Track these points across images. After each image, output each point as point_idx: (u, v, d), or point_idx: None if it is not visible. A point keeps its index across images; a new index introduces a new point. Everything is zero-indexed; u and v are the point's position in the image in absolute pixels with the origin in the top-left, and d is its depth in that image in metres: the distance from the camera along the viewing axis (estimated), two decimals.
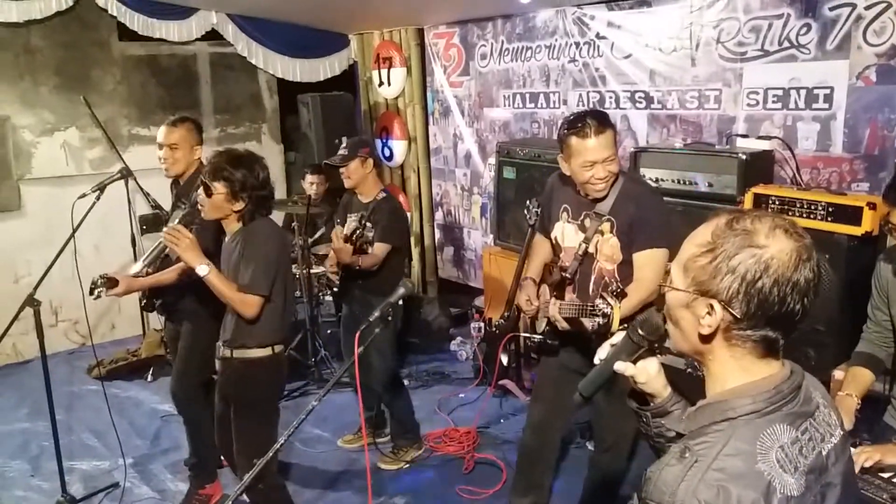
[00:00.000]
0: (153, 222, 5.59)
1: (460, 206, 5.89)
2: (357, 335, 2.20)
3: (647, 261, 2.62)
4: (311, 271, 5.07)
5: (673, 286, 1.24)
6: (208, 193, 2.75)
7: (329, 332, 5.38)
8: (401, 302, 3.86)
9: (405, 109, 6.14)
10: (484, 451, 3.97)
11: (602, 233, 2.70)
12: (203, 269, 2.71)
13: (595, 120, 2.57)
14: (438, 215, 6.14)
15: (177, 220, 2.77)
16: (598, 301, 2.44)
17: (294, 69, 6.19)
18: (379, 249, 3.64)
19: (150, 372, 5.11)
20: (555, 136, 4.80)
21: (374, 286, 3.64)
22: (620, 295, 2.24)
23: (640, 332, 1.44)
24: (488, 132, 5.48)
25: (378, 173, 3.93)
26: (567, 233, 2.83)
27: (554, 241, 2.89)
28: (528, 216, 4.35)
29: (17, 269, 5.39)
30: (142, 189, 5.23)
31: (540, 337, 2.97)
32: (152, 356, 5.19)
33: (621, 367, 1.45)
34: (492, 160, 5.19)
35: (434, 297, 6.04)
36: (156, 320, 5.66)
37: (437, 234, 6.18)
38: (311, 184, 5.38)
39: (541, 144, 4.72)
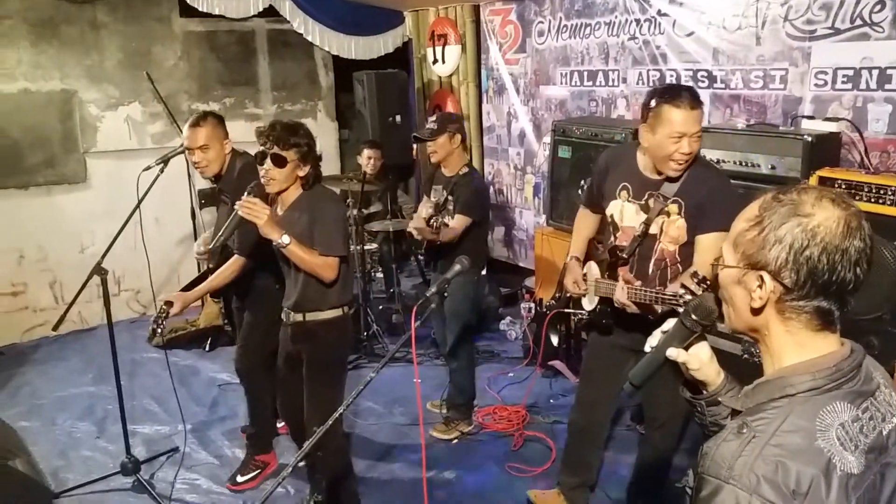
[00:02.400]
0: (211, 196, 5.73)
1: (513, 185, 5.87)
2: (413, 309, 2.25)
3: (711, 244, 2.57)
4: (364, 248, 5.13)
5: (724, 264, 1.25)
6: (282, 164, 2.79)
7: (381, 307, 5.46)
8: (484, 272, 4.01)
9: (459, 87, 6.12)
10: (533, 430, 3.99)
11: (668, 214, 2.64)
12: (286, 238, 2.76)
13: (690, 93, 2.51)
14: (490, 194, 6.13)
15: (249, 194, 2.81)
16: (677, 287, 2.39)
17: (349, 46, 6.22)
18: (458, 222, 3.72)
19: (209, 342, 5.27)
20: (613, 115, 4.82)
21: (456, 257, 3.70)
22: (703, 282, 2.17)
23: (693, 317, 1.43)
24: (544, 110, 5.42)
25: (463, 148, 3.95)
26: (626, 212, 2.77)
27: (609, 220, 2.84)
28: (582, 196, 4.33)
29: (82, 239, 5.58)
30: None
31: (587, 314, 2.95)
32: (210, 327, 5.34)
33: (673, 353, 1.45)
34: (547, 139, 5.14)
35: (484, 279, 6.05)
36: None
37: (490, 217, 6.17)
38: (368, 158, 5.42)
39: (598, 123, 4.66)
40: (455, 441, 3.92)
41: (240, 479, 3.57)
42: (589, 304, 2.95)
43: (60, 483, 3.53)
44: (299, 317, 2.97)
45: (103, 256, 3.38)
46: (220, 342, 5.24)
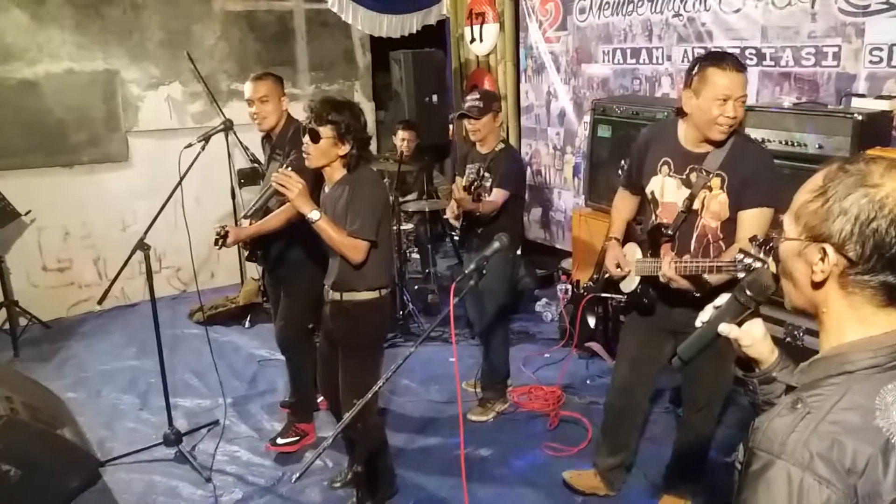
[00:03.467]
0: (251, 176, 5.80)
1: (551, 165, 5.81)
2: (452, 286, 2.24)
3: (755, 219, 2.51)
4: (401, 227, 5.13)
5: (785, 237, 1.21)
6: (315, 139, 2.80)
7: (416, 287, 5.47)
8: (519, 251, 3.98)
9: (496, 66, 6.06)
10: (568, 410, 3.97)
11: (710, 188, 2.58)
12: (315, 214, 2.78)
13: (734, 58, 2.48)
14: (527, 175, 6.08)
15: (288, 166, 2.83)
16: (738, 255, 2.31)
17: (385, 25, 6.18)
18: (497, 195, 3.72)
19: (248, 318, 5.34)
20: (657, 94, 4.73)
21: (493, 234, 3.68)
22: (765, 244, 2.11)
23: (747, 292, 1.39)
24: (585, 89, 5.35)
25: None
26: (668, 187, 2.70)
27: (650, 196, 2.79)
28: (622, 176, 4.27)
29: (124, 217, 5.68)
30: (241, 143, 5.41)
31: (626, 296, 2.91)
32: (250, 303, 5.41)
33: (725, 329, 1.41)
34: (587, 118, 5.07)
35: (520, 258, 6.02)
36: (254, 270, 5.91)
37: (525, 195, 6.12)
38: (402, 139, 5.41)
39: (639, 102, 4.58)
40: (491, 420, 3.92)
41: (280, 441, 3.65)
42: (629, 285, 2.90)
43: (106, 452, 3.62)
44: (337, 296, 2.98)
45: (146, 232, 3.45)
46: (259, 319, 5.32)
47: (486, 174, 3.82)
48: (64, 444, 3.28)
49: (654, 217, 2.78)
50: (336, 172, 2.91)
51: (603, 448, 3.21)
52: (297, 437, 3.68)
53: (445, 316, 2.23)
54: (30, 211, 5.15)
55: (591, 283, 4.46)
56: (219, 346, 4.86)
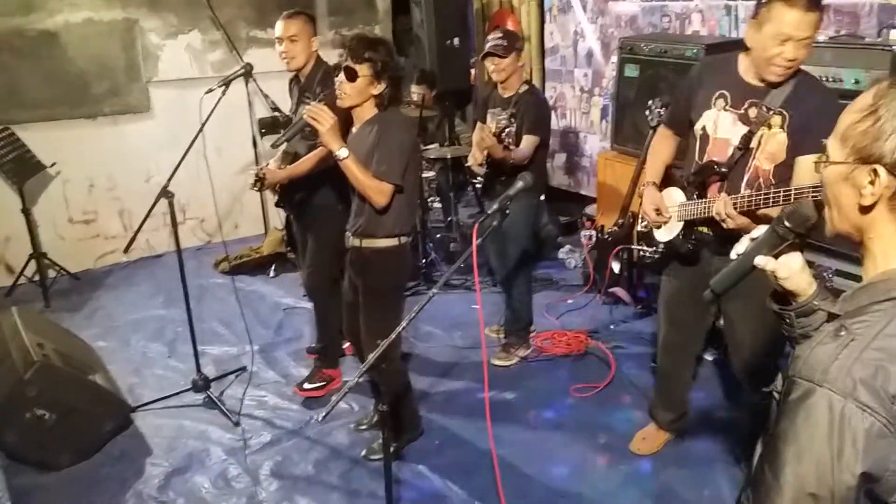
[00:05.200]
0: (271, 125, 5.76)
1: (577, 109, 5.68)
2: (475, 226, 2.20)
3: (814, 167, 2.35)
4: (422, 175, 5.07)
5: (831, 161, 1.15)
6: (352, 77, 2.74)
7: (438, 236, 5.44)
8: (543, 197, 3.93)
9: (519, 7, 5.90)
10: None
11: (769, 126, 2.40)
12: (343, 151, 2.73)
13: None
14: (552, 120, 5.95)
15: (320, 101, 2.80)
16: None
17: None
18: (528, 142, 3.61)
19: (272, 268, 5.36)
20: (687, 31, 4.56)
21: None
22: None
23: (786, 224, 1.34)
24: (613, 28, 5.18)
25: None
26: (722, 122, 2.51)
27: (699, 133, 2.58)
28: (649, 117, 4.15)
29: (148, 168, 5.67)
30: (261, 90, 5.36)
31: (662, 245, 2.76)
32: (274, 253, 5.43)
33: (762, 261, 1.36)
34: (615, 58, 4.92)
35: (543, 204, 5.94)
36: (277, 220, 5.93)
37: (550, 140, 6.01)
38: (414, 94, 5.32)
39: (668, 40, 4.43)
40: (515, 365, 3.92)
41: (307, 385, 3.70)
42: (668, 233, 2.73)
43: (136, 399, 3.69)
44: (357, 242, 2.96)
45: (169, 180, 3.43)
46: (284, 269, 5.34)
47: (513, 119, 3.71)
48: (96, 389, 3.35)
49: (701, 157, 2.58)
50: (366, 112, 2.86)
51: (661, 406, 3.16)
52: (324, 382, 3.72)
53: (468, 263, 2.20)
54: (55, 163, 5.17)
55: (615, 227, 4.44)
56: (244, 295, 4.90)
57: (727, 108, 2.51)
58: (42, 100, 5.19)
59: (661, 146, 2.85)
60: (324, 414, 2.12)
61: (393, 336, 2.19)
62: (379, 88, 2.79)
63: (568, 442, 3.27)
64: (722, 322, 2.90)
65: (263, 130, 5.75)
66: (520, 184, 2.38)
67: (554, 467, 3.11)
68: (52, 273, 5.25)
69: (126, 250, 3.56)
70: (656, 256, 2.83)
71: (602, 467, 3.12)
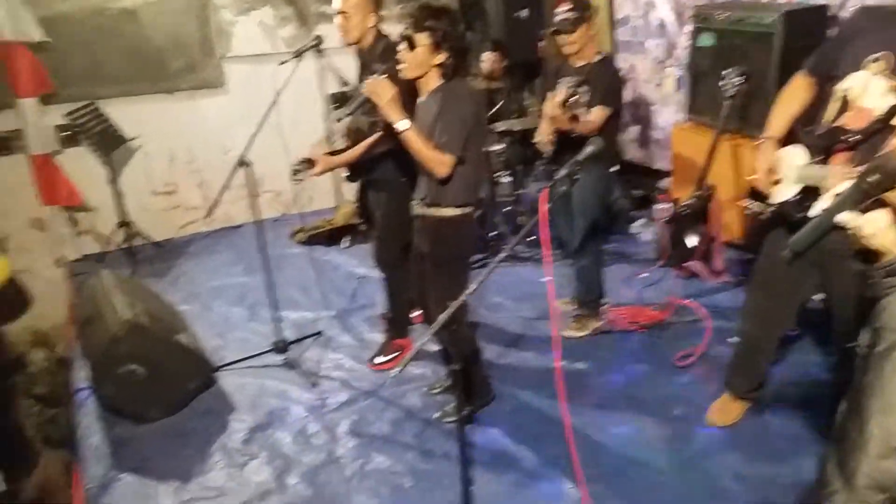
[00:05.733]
0: (342, 100, 5.85)
1: (650, 81, 5.57)
2: (544, 191, 2.18)
3: None
4: (489, 148, 5.08)
5: None
6: (411, 46, 2.77)
7: (506, 209, 5.44)
8: (614, 169, 3.84)
9: None
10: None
11: None
12: (403, 123, 2.76)
13: None
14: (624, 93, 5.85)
15: (381, 74, 2.83)
16: None
17: None
18: (598, 113, 3.51)
19: (345, 239, 5.49)
20: None
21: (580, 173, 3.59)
22: None
23: (871, 178, 1.30)
24: None
25: None
26: (872, 89, 2.21)
27: (839, 95, 2.33)
28: (725, 87, 4.05)
29: (224, 142, 5.84)
30: (331, 66, 5.44)
31: (774, 206, 2.52)
32: (347, 225, 5.55)
33: (845, 217, 1.33)
34: (688, 28, 4.80)
35: (614, 176, 5.86)
36: (350, 192, 6.03)
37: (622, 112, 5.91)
38: (488, 62, 5.29)
39: (745, 7, 4.28)
40: (586, 337, 3.92)
41: (378, 359, 3.78)
42: (783, 194, 2.48)
43: (219, 360, 3.85)
44: (422, 211, 3.00)
45: (246, 150, 3.56)
46: (357, 240, 5.45)
47: (583, 88, 3.66)
48: (182, 348, 3.52)
49: (834, 120, 2.34)
50: (431, 83, 2.87)
51: (738, 376, 3.09)
52: (396, 353, 3.79)
53: (539, 235, 2.17)
54: (137, 136, 5.40)
55: (692, 200, 4.36)
56: (319, 264, 5.04)
57: (886, 72, 2.19)
58: (123, 75, 5.40)
59: (797, 95, 2.56)
60: (398, 369, 2.17)
61: (463, 297, 2.22)
62: (440, 58, 2.78)
63: (640, 412, 3.26)
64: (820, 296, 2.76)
65: (336, 105, 5.85)
66: (590, 148, 2.34)
67: (625, 436, 3.11)
68: (137, 242, 5.50)
69: (207, 215, 3.72)
70: (765, 216, 2.60)
71: (675, 437, 3.09)
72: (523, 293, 4.44)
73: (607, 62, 3.68)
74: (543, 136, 3.71)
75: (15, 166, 5.20)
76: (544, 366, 3.65)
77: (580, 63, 3.64)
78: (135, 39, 5.37)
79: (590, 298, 3.97)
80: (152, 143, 5.62)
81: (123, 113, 5.32)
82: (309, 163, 3.35)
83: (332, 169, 3.49)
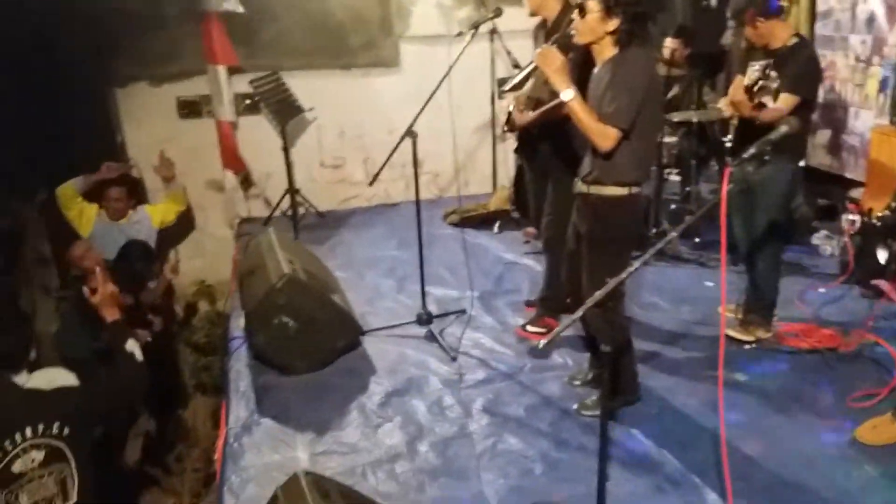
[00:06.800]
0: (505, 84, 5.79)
1: (850, 80, 5.01)
2: (726, 171, 1.99)
3: None
4: (662, 140, 4.80)
5: None
6: (582, 13, 2.67)
7: (673, 207, 5.13)
8: (802, 164, 3.49)
9: None
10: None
11: None
12: (568, 93, 2.66)
13: None
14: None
15: (553, 44, 2.76)
16: None
17: None
18: (785, 101, 3.24)
19: (497, 224, 5.43)
20: None
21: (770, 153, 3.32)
22: None
23: None
24: None
25: None
26: None
27: None
28: None
29: (392, 121, 5.97)
30: (505, 47, 5.40)
31: None
32: (500, 210, 5.50)
33: None
34: None
35: (800, 173, 5.35)
36: (506, 179, 6.00)
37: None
38: (668, 48, 5.01)
39: None
40: (751, 346, 3.58)
41: (530, 328, 3.72)
42: None
43: (366, 325, 3.92)
44: (584, 188, 2.86)
45: (414, 121, 3.59)
46: (508, 226, 5.39)
47: (773, 73, 3.35)
48: (334, 307, 3.61)
49: None
50: (606, 51, 2.74)
51: None
52: (545, 329, 3.68)
53: (704, 239, 1.99)
54: (312, 108, 5.65)
55: (887, 212, 3.87)
56: (469, 246, 4.97)
57: None
58: (305, 49, 5.64)
59: None
60: (545, 341, 2.06)
61: (625, 274, 2.07)
62: (612, 24, 2.65)
63: (801, 431, 2.95)
64: None
65: (504, 89, 5.79)
66: (784, 128, 2.14)
67: (782, 454, 2.81)
68: (301, 210, 5.76)
69: (371, 183, 3.81)
70: None
71: (839, 462, 2.75)
72: (682, 295, 4.18)
73: (803, 46, 3.37)
74: (726, 110, 3.54)
75: (201, 129, 5.64)
76: (699, 371, 3.39)
77: (775, 46, 3.36)
78: (319, 15, 5.61)
79: (760, 305, 3.62)
80: (325, 116, 5.87)
81: (302, 85, 5.59)
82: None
83: (525, 124, 3.49)
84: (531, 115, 3.44)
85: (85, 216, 4.72)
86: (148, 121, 5.54)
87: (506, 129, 3.57)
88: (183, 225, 5.47)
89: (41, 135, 4.64)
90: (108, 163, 4.76)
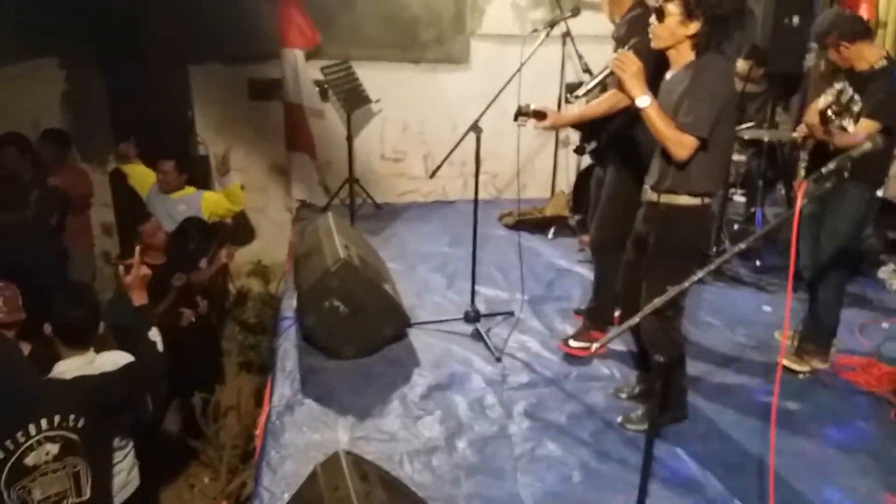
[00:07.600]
0: (579, 89, 5.72)
1: None
2: (800, 185, 1.93)
3: None
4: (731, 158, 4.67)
5: None
6: (660, 17, 2.62)
7: (736, 227, 5.01)
8: (880, 193, 3.35)
9: None
10: None
11: None
12: (644, 100, 2.60)
13: None
14: None
15: (630, 48, 2.71)
16: None
17: None
18: (864, 127, 3.11)
19: (552, 230, 5.38)
20: None
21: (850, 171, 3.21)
22: None
23: None
24: None
25: None
26: None
27: None
28: None
29: (456, 119, 5.97)
30: (577, 51, 5.34)
31: None
32: (556, 216, 5.45)
33: None
34: None
35: (875, 203, 5.13)
36: (564, 183, 5.94)
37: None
38: (739, 69, 4.88)
39: None
40: (804, 376, 3.46)
41: (572, 343, 3.64)
42: None
43: (414, 317, 3.93)
44: (654, 196, 2.80)
45: (480, 116, 3.59)
46: (563, 233, 5.34)
47: (856, 97, 3.23)
48: (385, 295, 3.63)
49: None
50: (682, 56, 2.68)
51: None
52: (588, 344, 3.62)
53: (768, 264, 1.94)
54: (379, 100, 5.69)
55: None
56: (523, 249, 4.94)
57: None
58: (377, 40, 5.69)
59: None
60: (598, 344, 2.03)
61: (686, 285, 2.02)
62: (692, 28, 2.59)
63: (853, 470, 2.84)
64: None
65: (575, 94, 5.73)
66: (868, 145, 2.06)
67: (831, 492, 2.72)
68: (359, 200, 5.81)
69: (432, 176, 3.83)
70: None
71: None
72: (738, 318, 4.07)
73: (891, 70, 3.22)
74: (797, 134, 3.44)
75: (270, 112, 5.74)
76: (751, 396, 3.31)
77: (861, 67, 3.24)
78: (393, 7, 5.65)
79: (819, 333, 3.51)
80: (390, 109, 5.91)
81: (371, 76, 5.61)
82: (539, 115, 3.32)
83: (560, 126, 3.49)
84: (573, 115, 3.38)
85: (146, 179, 4.84)
86: (219, 100, 5.66)
87: (517, 119, 3.40)
88: (240, 229, 5.62)
89: (120, 104, 4.80)
90: (123, 143, 4.85)
